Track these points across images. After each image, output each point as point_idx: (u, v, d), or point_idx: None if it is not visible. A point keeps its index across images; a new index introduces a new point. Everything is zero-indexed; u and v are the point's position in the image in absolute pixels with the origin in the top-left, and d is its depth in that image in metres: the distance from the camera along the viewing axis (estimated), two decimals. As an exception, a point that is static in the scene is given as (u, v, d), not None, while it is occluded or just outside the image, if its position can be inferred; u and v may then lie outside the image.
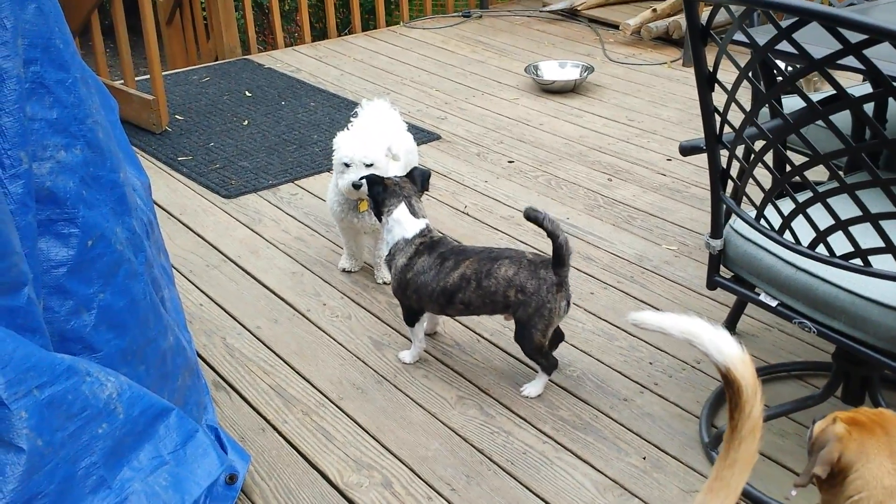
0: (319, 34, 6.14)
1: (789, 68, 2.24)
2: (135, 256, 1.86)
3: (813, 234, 1.74)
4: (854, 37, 1.44)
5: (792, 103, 2.58)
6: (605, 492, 2.10)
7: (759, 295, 1.98)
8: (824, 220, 1.70)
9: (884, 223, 1.61)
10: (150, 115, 4.21)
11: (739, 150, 1.97)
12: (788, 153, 2.19)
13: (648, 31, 5.44)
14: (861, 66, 1.49)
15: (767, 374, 2.46)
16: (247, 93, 4.78)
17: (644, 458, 2.20)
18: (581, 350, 2.61)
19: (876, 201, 1.64)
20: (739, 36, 1.72)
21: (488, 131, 4.24)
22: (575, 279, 2.97)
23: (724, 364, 1.22)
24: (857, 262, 1.71)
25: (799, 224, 1.78)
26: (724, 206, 1.99)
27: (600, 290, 2.92)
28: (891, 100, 2.12)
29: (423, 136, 4.13)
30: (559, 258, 2.30)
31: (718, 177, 1.95)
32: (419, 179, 2.55)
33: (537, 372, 2.43)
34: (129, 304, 1.82)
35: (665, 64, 5.14)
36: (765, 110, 2.52)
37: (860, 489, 1.37)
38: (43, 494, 1.52)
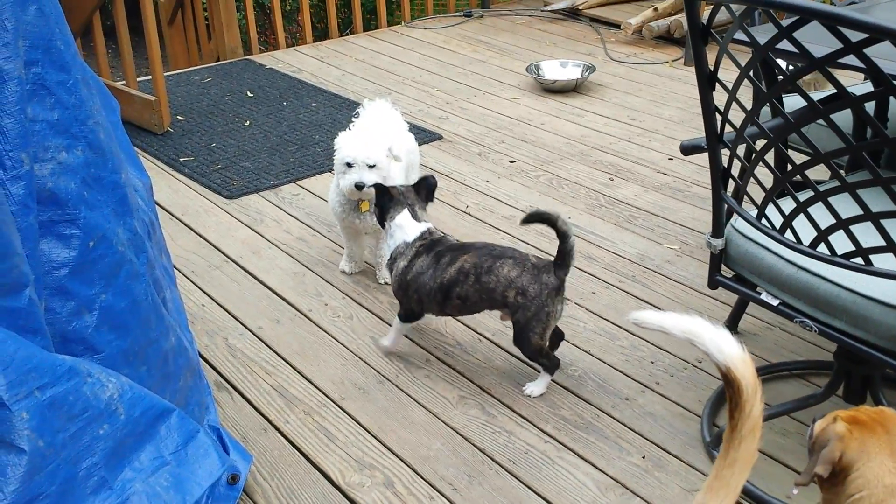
0: (321, 34, 6.14)
1: (790, 67, 2.24)
2: (136, 257, 1.87)
3: (814, 233, 1.74)
4: (855, 36, 1.44)
5: (793, 102, 2.58)
6: (607, 491, 2.10)
7: (760, 294, 1.98)
8: (825, 219, 1.70)
9: (885, 222, 1.61)
10: (151, 115, 4.21)
11: (740, 150, 1.96)
12: (790, 152, 2.18)
13: (650, 30, 5.44)
14: (862, 65, 1.48)
15: (769, 372, 2.46)
16: (248, 93, 4.79)
17: (644, 458, 2.19)
18: (582, 349, 2.61)
19: (877, 200, 1.64)
20: (740, 35, 1.72)
21: (490, 131, 4.24)
22: (576, 278, 2.97)
23: (725, 363, 1.22)
24: (859, 261, 1.70)
25: (800, 223, 1.78)
26: (726, 206, 1.99)
27: (602, 289, 2.92)
28: (892, 98, 2.13)
29: (424, 135, 4.13)
30: (564, 260, 2.30)
31: (719, 176, 1.95)
32: (425, 191, 2.57)
33: (539, 372, 2.43)
34: (131, 304, 1.82)
35: (666, 63, 5.14)
36: (766, 109, 2.52)
37: (861, 488, 1.37)
38: (44, 495, 1.52)
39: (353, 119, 3.11)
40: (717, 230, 2.03)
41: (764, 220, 1.88)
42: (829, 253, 1.75)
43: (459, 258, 2.38)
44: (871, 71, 1.48)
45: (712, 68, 1.81)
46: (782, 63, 1.85)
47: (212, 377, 2.51)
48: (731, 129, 1.84)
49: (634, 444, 2.24)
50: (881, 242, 1.64)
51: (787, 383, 2.44)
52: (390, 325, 2.71)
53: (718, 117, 1.86)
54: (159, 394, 1.87)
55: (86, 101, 1.76)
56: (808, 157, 1.71)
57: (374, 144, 2.76)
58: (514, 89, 4.79)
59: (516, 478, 2.15)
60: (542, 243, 3.15)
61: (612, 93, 4.70)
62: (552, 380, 2.45)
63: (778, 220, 1.83)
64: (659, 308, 2.78)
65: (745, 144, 1.91)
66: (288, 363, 2.59)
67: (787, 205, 1.80)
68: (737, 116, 1.79)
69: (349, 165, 2.75)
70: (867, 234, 1.66)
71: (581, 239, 3.22)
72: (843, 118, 1.92)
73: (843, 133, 1.60)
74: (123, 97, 4.15)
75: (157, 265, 2.03)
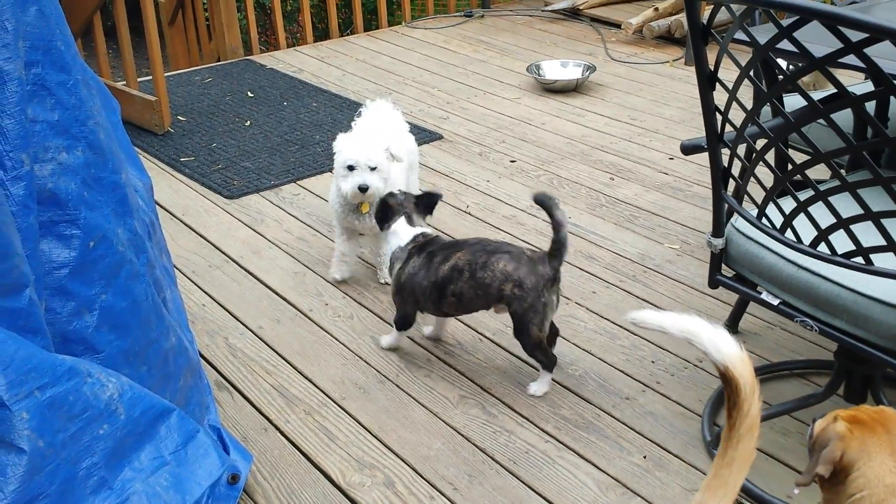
0: (321, 34, 6.14)
1: (791, 67, 2.24)
2: (136, 257, 1.87)
3: (814, 233, 1.74)
4: (855, 36, 1.44)
5: (794, 102, 2.58)
6: (608, 490, 2.09)
7: (760, 293, 1.98)
8: (826, 219, 1.70)
9: (885, 221, 1.61)
10: (152, 115, 4.21)
11: (741, 149, 1.96)
12: (790, 152, 2.18)
13: (650, 29, 5.43)
14: (862, 65, 1.48)
15: (770, 372, 2.46)
16: (249, 93, 4.79)
17: (645, 457, 2.19)
18: (583, 349, 2.61)
19: (877, 199, 1.63)
20: (741, 35, 1.72)
21: (490, 131, 4.24)
22: (577, 278, 2.97)
23: (723, 362, 1.22)
24: (859, 260, 1.70)
25: (800, 222, 1.77)
26: (726, 205, 1.99)
27: (602, 288, 2.92)
28: (892, 98, 2.13)
29: (425, 135, 4.13)
30: (558, 250, 2.30)
31: (720, 175, 1.95)
32: (425, 203, 2.60)
33: (539, 371, 2.43)
34: (131, 304, 1.82)
35: (667, 63, 5.14)
36: (766, 109, 2.52)
37: (862, 487, 1.37)
38: (44, 495, 1.52)
39: (356, 118, 3.11)
40: (718, 230, 2.03)
41: (764, 220, 1.88)
42: (829, 252, 1.75)
43: (453, 256, 2.39)
44: (872, 70, 1.48)
45: (713, 68, 1.81)
46: (783, 63, 1.85)
47: (212, 377, 2.51)
48: (732, 129, 1.84)
49: (635, 444, 2.24)
50: (881, 242, 1.64)
51: (788, 383, 2.44)
52: (390, 325, 2.71)
53: (719, 117, 1.86)
54: (160, 394, 1.87)
55: (86, 102, 1.76)
56: (809, 157, 1.71)
57: (375, 146, 2.76)
58: (514, 89, 4.79)
59: (517, 477, 2.15)
60: (543, 243, 3.15)
61: (612, 92, 4.70)
62: (552, 379, 2.45)
63: (778, 220, 1.82)
64: (660, 308, 2.78)
65: (745, 144, 1.91)
66: (288, 363, 2.59)
67: (788, 204, 1.80)
68: (737, 116, 1.79)
69: (351, 168, 2.75)
70: (868, 234, 1.66)
71: (582, 238, 3.23)
72: (844, 118, 1.92)
73: (844, 133, 1.60)
74: (124, 97, 4.16)
75: (157, 265, 2.03)
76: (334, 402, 2.42)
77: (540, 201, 2.32)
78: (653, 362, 2.54)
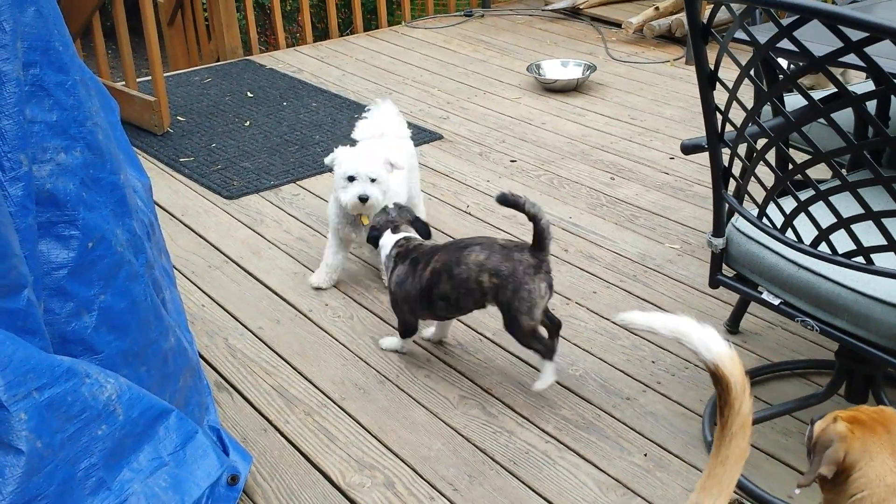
0: (321, 34, 6.14)
1: (791, 66, 2.23)
2: (135, 258, 1.86)
3: (815, 233, 1.74)
4: (856, 35, 1.43)
5: (794, 101, 2.58)
6: (608, 491, 2.09)
7: (761, 293, 1.97)
8: (826, 219, 1.69)
9: (886, 221, 1.61)
10: (151, 116, 4.21)
11: (741, 149, 1.96)
12: (791, 151, 2.18)
13: (651, 29, 5.43)
14: (862, 64, 1.48)
15: (771, 372, 2.46)
16: (248, 93, 4.78)
17: (646, 455, 2.19)
18: (583, 349, 2.61)
19: (878, 199, 1.63)
20: (741, 34, 1.71)
21: (490, 131, 4.24)
22: (577, 278, 2.97)
23: (713, 361, 1.22)
24: (860, 260, 1.70)
25: (801, 222, 1.77)
26: (727, 205, 1.99)
27: (603, 288, 2.92)
28: (893, 97, 2.12)
29: (425, 135, 4.13)
30: (541, 242, 2.26)
31: (720, 175, 1.95)
32: (418, 223, 2.61)
33: (540, 367, 2.41)
34: (130, 305, 1.82)
35: (668, 62, 5.13)
36: (767, 108, 2.52)
37: (863, 487, 1.36)
38: (42, 496, 1.52)
39: (360, 119, 3.13)
40: (718, 229, 2.03)
41: (765, 220, 1.87)
42: (830, 252, 1.74)
43: (432, 260, 2.39)
44: (872, 70, 1.48)
45: (713, 67, 1.80)
46: (783, 62, 1.85)
47: (212, 377, 2.51)
48: (732, 129, 1.84)
49: (635, 444, 2.24)
50: (882, 241, 1.63)
51: (789, 382, 2.44)
52: (390, 326, 2.71)
53: (719, 116, 1.86)
54: (159, 394, 1.87)
55: (84, 102, 1.76)
56: (810, 156, 1.70)
57: (375, 158, 2.78)
58: (514, 89, 4.79)
59: (517, 478, 2.14)
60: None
61: (613, 92, 4.70)
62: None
63: (779, 220, 1.82)
64: (661, 307, 2.78)
65: (746, 143, 1.90)
66: (288, 363, 2.58)
67: (788, 204, 1.79)
68: (738, 116, 1.78)
69: (351, 179, 2.75)
70: (868, 233, 1.65)
71: (582, 238, 3.22)
72: (845, 117, 1.92)
73: (844, 132, 1.60)
74: (123, 98, 4.15)
75: (156, 266, 2.03)
76: (334, 403, 2.41)
77: (504, 202, 2.25)
78: (653, 362, 2.54)
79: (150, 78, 4.32)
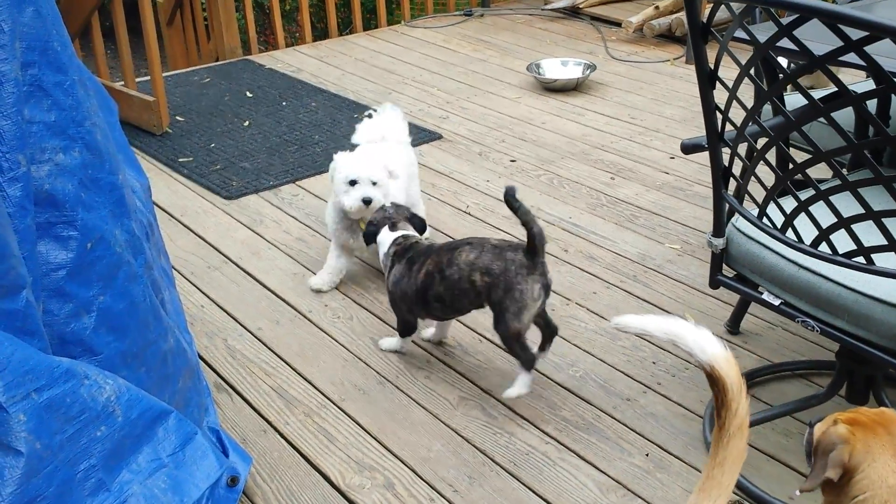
0: (320, 34, 6.13)
1: (791, 65, 2.23)
2: (134, 259, 1.86)
3: (815, 233, 1.73)
4: (856, 34, 1.43)
5: (794, 100, 2.57)
6: (608, 492, 2.09)
7: (762, 293, 1.97)
8: (827, 218, 1.69)
9: (886, 221, 1.60)
10: (150, 116, 4.21)
11: (741, 148, 1.96)
12: (791, 151, 2.17)
13: (651, 28, 5.43)
14: (862, 63, 1.48)
15: (771, 373, 2.45)
16: (248, 93, 4.78)
17: (647, 455, 2.18)
18: (584, 350, 2.60)
19: (879, 199, 1.63)
20: (741, 33, 1.71)
21: (490, 130, 4.23)
22: (577, 278, 2.97)
23: (708, 363, 1.22)
24: (860, 260, 1.70)
25: (801, 222, 1.77)
26: (727, 205, 1.98)
27: (603, 289, 2.91)
28: (893, 97, 2.12)
29: (424, 135, 4.13)
30: (533, 246, 2.24)
31: (720, 175, 1.94)
32: (414, 223, 2.59)
33: (516, 377, 2.38)
34: (129, 306, 1.81)
35: (668, 61, 5.13)
36: (767, 108, 2.51)
37: (865, 489, 1.36)
38: (42, 497, 1.52)
39: (361, 123, 3.15)
40: (719, 229, 2.02)
41: (765, 220, 1.87)
42: (830, 252, 1.74)
43: (426, 262, 2.38)
44: (872, 69, 1.48)
45: (713, 67, 1.80)
46: (783, 61, 1.84)
47: (211, 378, 2.50)
48: (732, 128, 1.84)
49: (636, 445, 2.23)
50: (883, 241, 1.63)
51: (790, 383, 2.44)
52: (390, 326, 2.71)
53: (719, 116, 1.86)
54: (158, 395, 1.86)
55: (83, 103, 1.75)
56: (810, 156, 1.70)
57: (376, 162, 2.80)
58: (514, 88, 4.78)
59: (517, 479, 2.14)
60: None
61: (613, 91, 4.70)
62: (552, 380, 2.44)
63: (779, 219, 1.82)
64: (661, 308, 2.78)
65: (746, 143, 1.90)
66: (288, 364, 2.58)
67: (789, 204, 1.79)
68: (738, 115, 1.78)
69: (353, 183, 2.75)
70: (869, 233, 1.65)
71: (582, 239, 3.22)
72: (845, 116, 1.92)
73: (845, 131, 1.59)
74: (122, 98, 4.15)
75: (155, 266, 2.03)
76: (334, 404, 2.41)
77: (510, 196, 2.22)
78: (654, 363, 2.54)
79: (148, 78, 4.31)
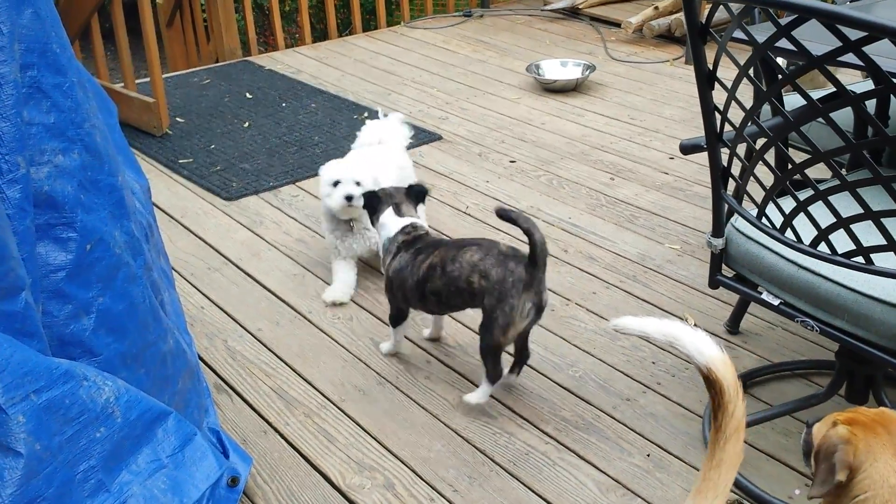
0: (320, 35, 6.13)
1: (790, 66, 2.23)
2: (133, 260, 1.86)
3: (815, 233, 1.73)
4: (854, 34, 1.43)
5: (793, 101, 2.57)
6: (608, 492, 2.09)
7: (761, 293, 1.97)
8: (826, 218, 1.69)
9: (886, 220, 1.60)
10: (150, 117, 4.21)
11: (740, 149, 1.96)
12: (790, 151, 2.17)
13: (650, 28, 5.43)
14: (861, 63, 1.48)
15: (771, 372, 2.45)
16: (247, 94, 4.78)
17: (648, 455, 2.18)
18: (583, 350, 2.60)
19: (878, 199, 1.63)
20: (739, 34, 1.71)
21: (490, 131, 4.24)
22: (577, 279, 2.97)
23: (705, 365, 1.23)
24: (860, 259, 1.70)
25: (800, 222, 1.77)
26: (726, 205, 1.99)
27: (603, 289, 2.91)
28: (892, 97, 2.12)
29: (424, 136, 4.13)
30: (534, 257, 2.21)
31: (719, 175, 1.94)
32: (415, 194, 2.58)
33: (479, 383, 2.38)
34: (129, 307, 1.81)
35: (667, 62, 5.13)
36: (766, 108, 2.51)
37: (866, 489, 1.36)
38: (41, 499, 1.52)
39: (362, 128, 3.20)
40: (718, 230, 2.02)
41: (764, 220, 1.87)
42: (829, 252, 1.74)
43: (431, 254, 2.37)
44: (871, 69, 1.48)
45: (711, 67, 1.80)
46: (782, 62, 1.84)
47: (211, 379, 2.50)
48: (731, 128, 1.84)
49: (636, 445, 2.23)
50: (882, 241, 1.63)
51: (790, 383, 2.44)
52: (391, 327, 2.71)
53: (718, 116, 1.86)
54: (158, 396, 1.86)
55: (82, 104, 1.75)
56: (809, 156, 1.70)
57: (359, 163, 2.86)
58: (514, 89, 4.79)
59: (517, 479, 2.14)
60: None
61: (612, 92, 4.70)
62: (552, 380, 2.44)
63: (778, 220, 1.82)
64: (661, 308, 2.78)
65: (745, 143, 1.90)
66: (288, 365, 2.58)
67: (788, 204, 1.79)
68: (737, 115, 1.78)
69: (336, 184, 2.79)
70: (868, 233, 1.65)
71: (582, 239, 3.22)
72: (844, 117, 1.92)
73: (844, 132, 1.60)
74: (122, 99, 4.15)
75: (154, 268, 2.03)
76: (334, 405, 2.41)
77: (501, 216, 2.21)
78: (653, 363, 2.54)
79: (148, 79, 4.32)
